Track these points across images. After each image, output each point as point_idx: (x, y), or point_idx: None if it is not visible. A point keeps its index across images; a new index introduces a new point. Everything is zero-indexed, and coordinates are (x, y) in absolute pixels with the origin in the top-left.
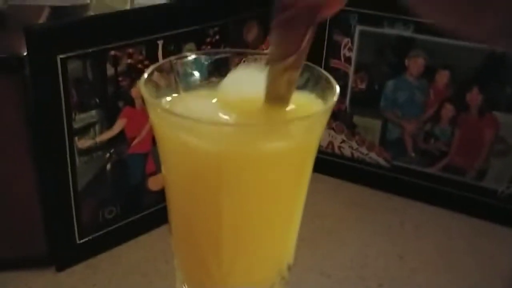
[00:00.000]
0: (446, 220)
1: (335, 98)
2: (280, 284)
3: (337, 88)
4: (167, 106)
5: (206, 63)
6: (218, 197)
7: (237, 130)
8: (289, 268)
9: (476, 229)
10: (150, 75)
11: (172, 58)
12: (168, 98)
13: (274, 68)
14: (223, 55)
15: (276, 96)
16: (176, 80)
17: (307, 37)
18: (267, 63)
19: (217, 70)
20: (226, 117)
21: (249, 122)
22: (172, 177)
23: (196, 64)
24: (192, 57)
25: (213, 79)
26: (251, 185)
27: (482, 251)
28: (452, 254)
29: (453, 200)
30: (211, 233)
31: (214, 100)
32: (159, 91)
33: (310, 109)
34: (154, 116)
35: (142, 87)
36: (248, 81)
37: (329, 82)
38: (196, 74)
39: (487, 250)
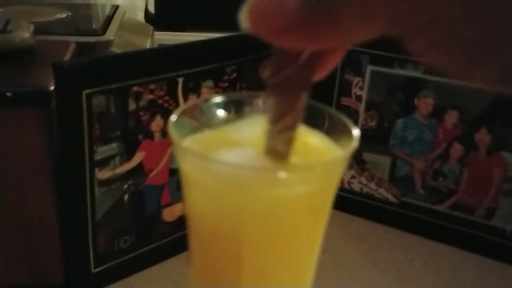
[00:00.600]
0: (454, 258)
1: (355, 145)
2: None
3: (357, 134)
4: (193, 146)
5: (228, 103)
6: (238, 241)
7: (258, 175)
8: None
9: (485, 268)
10: (179, 116)
11: (199, 101)
12: (192, 138)
13: (271, 128)
14: (246, 97)
15: (276, 153)
16: (201, 122)
17: (302, 99)
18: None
19: (238, 110)
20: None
21: (271, 166)
22: (196, 219)
23: (220, 105)
24: (218, 99)
25: (234, 117)
26: (272, 234)
27: None
28: None
29: (461, 238)
30: (231, 271)
31: (247, 150)
32: (185, 131)
33: (328, 155)
34: (183, 160)
35: (171, 130)
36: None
37: (347, 128)
38: (220, 113)
39: None
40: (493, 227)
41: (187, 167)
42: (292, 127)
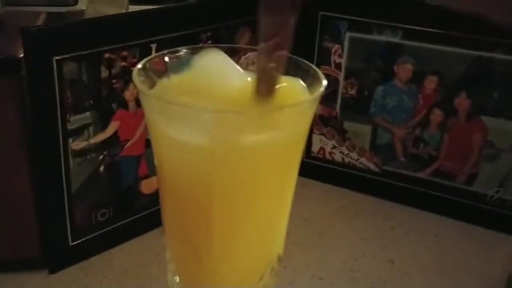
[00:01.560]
0: (436, 224)
1: (322, 89)
2: (270, 275)
3: (325, 81)
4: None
5: (194, 53)
6: (209, 189)
7: (226, 118)
8: (279, 259)
9: (466, 233)
10: (143, 66)
11: (165, 52)
12: (158, 87)
13: (262, 52)
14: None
15: (263, 87)
16: (168, 73)
17: (292, 17)
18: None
19: None
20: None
21: (239, 110)
22: (165, 168)
23: (186, 58)
24: (183, 52)
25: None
26: (242, 177)
27: (472, 255)
28: (442, 258)
29: (443, 205)
30: (202, 224)
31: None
32: (150, 83)
33: (298, 99)
34: (147, 107)
35: (135, 78)
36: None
37: (316, 76)
38: (186, 62)
39: (477, 254)
40: (474, 192)
41: (154, 116)
42: (283, 46)
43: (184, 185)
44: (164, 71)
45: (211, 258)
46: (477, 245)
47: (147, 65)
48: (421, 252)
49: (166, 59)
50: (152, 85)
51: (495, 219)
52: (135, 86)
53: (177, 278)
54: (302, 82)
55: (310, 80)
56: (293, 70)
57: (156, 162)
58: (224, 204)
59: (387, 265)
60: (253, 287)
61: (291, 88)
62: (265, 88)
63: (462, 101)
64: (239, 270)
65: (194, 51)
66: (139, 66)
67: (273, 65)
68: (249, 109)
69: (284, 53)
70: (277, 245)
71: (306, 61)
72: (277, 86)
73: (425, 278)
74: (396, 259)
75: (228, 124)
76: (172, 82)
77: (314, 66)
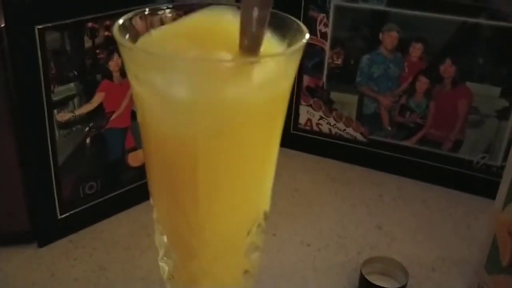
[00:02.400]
0: (423, 191)
1: (305, 40)
2: (257, 231)
3: (307, 34)
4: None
5: (177, 9)
6: (194, 142)
7: (209, 67)
8: (266, 216)
9: (453, 199)
10: (124, 22)
11: (147, 9)
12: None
13: (244, 9)
14: (196, 8)
15: (247, 42)
16: (149, 30)
17: None
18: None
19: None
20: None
21: (221, 58)
22: (149, 125)
23: (170, 15)
24: (166, 9)
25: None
26: (226, 131)
27: (458, 220)
28: (429, 223)
29: (429, 172)
30: (188, 181)
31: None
32: (131, 38)
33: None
34: (128, 61)
35: (116, 32)
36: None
37: (300, 29)
38: (169, 15)
39: (463, 219)
40: (460, 159)
41: (137, 71)
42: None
43: (168, 143)
44: (145, 30)
45: (197, 215)
46: (463, 210)
47: (127, 23)
48: (408, 218)
49: (148, 15)
50: (133, 42)
51: (480, 184)
52: (115, 41)
53: (164, 238)
54: (282, 41)
55: (293, 33)
56: (276, 24)
57: (139, 120)
58: (209, 160)
59: (374, 230)
60: (241, 243)
61: (271, 46)
62: (248, 43)
63: (447, 68)
64: (226, 227)
65: (178, 10)
66: (120, 21)
67: (255, 30)
68: (229, 59)
69: (265, 11)
70: (263, 202)
71: (290, 16)
72: (260, 45)
73: (412, 242)
74: (383, 225)
75: (206, 74)
76: (153, 36)
77: (297, 20)
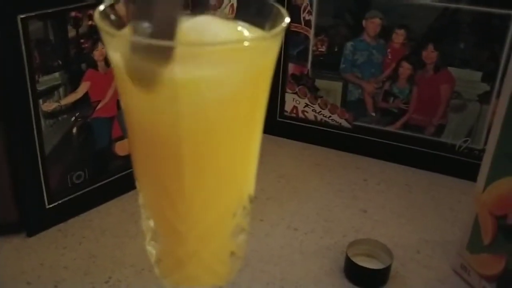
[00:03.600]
0: (407, 175)
1: (285, 24)
2: (242, 214)
3: (287, 18)
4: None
5: None
6: (177, 124)
7: (192, 51)
8: (251, 199)
9: (436, 183)
10: (105, 9)
11: None
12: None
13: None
14: None
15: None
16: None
17: None
18: None
19: None
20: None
21: (195, 41)
22: (131, 108)
23: None
24: None
25: None
26: (208, 114)
27: (441, 203)
28: (413, 206)
29: (413, 156)
30: (172, 164)
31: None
32: (114, 25)
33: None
34: (112, 49)
35: (98, 20)
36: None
37: (280, 14)
38: None
39: (446, 202)
40: (443, 143)
41: (118, 58)
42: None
43: (150, 128)
44: (126, 21)
45: (183, 199)
46: (446, 193)
47: (108, 10)
48: (392, 201)
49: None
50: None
51: (463, 167)
52: (98, 28)
53: (151, 222)
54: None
55: (273, 18)
56: (257, 10)
57: (123, 107)
58: (192, 143)
59: (359, 214)
60: (227, 225)
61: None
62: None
63: (430, 54)
64: (212, 209)
65: None
66: (101, 8)
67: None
68: (206, 42)
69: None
70: (248, 185)
71: (270, 1)
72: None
73: (396, 225)
74: (368, 209)
75: (183, 57)
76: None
77: (276, 4)
